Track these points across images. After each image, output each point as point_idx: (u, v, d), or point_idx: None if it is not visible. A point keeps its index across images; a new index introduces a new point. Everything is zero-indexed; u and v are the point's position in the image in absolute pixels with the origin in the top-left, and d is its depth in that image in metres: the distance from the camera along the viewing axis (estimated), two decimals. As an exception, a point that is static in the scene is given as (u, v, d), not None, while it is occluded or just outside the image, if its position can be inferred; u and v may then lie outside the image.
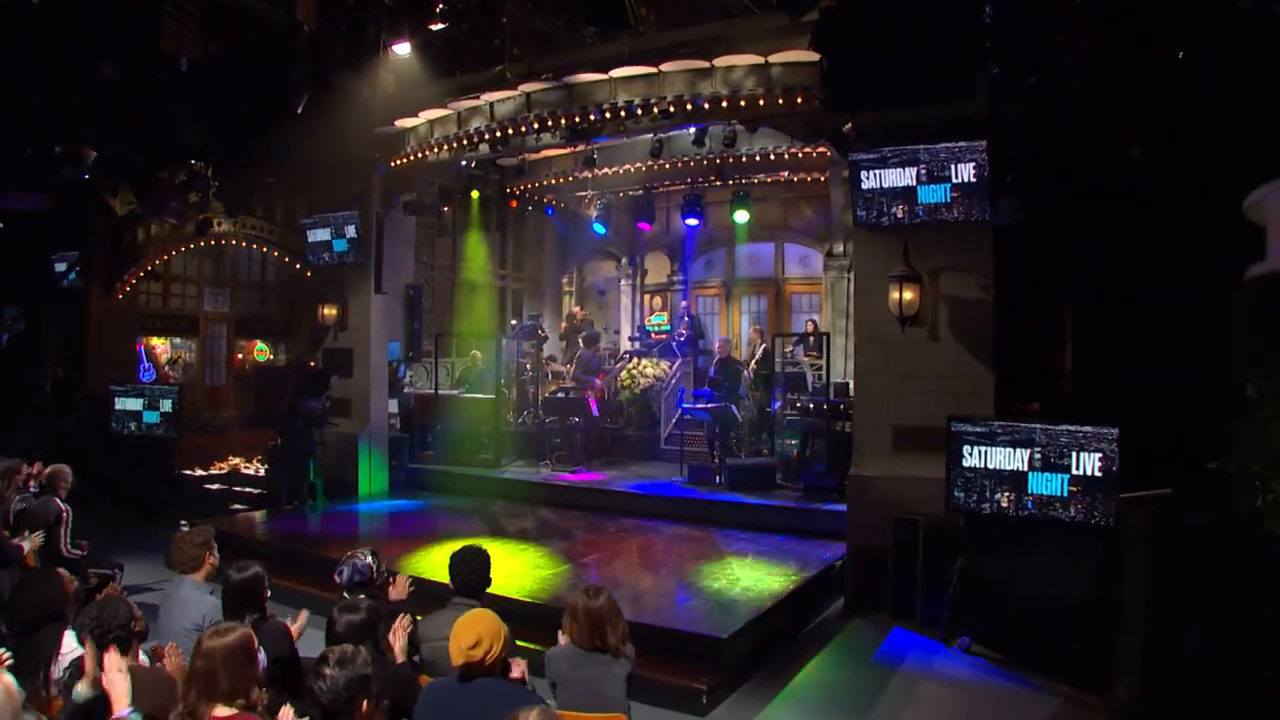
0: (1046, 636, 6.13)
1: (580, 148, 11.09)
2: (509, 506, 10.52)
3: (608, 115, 8.85)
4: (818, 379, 12.28)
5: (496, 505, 10.64)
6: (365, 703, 2.72)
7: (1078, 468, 6.14)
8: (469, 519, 9.88)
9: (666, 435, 12.91)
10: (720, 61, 8.28)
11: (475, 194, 13.27)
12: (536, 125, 9.28)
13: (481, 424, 12.12)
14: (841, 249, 13.12)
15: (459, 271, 14.62)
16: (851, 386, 11.34)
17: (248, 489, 11.16)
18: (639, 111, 8.70)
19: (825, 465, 9.64)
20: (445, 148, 10.26)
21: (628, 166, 12.19)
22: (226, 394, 16.34)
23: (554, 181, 13.34)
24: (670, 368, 13.19)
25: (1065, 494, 6.18)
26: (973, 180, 7.34)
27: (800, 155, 11.01)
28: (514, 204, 14.08)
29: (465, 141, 9.95)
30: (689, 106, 8.50)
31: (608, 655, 3.57)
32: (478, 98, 9.56)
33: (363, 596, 4.44)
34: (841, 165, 11.88)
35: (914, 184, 7.55)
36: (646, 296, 15.84)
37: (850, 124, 7.77)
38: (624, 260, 15.62)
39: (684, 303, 15.09)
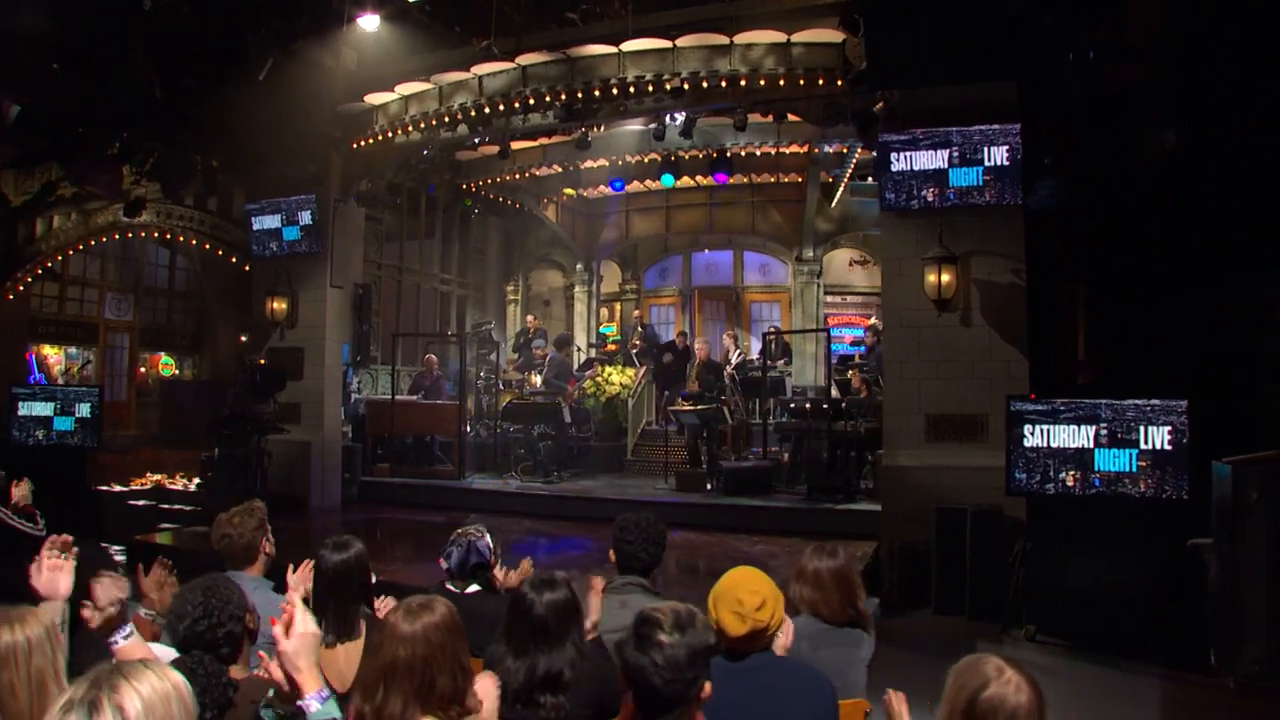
0: (1120, 620, 5.91)
1: (557, 138, 10.56)
2: (485, 519, 9.51)
3: (614, 91, 8.30)
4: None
5: (470, 519, 9.67)
6: (707, 685, 1.95)
7: (1146, 442, 6.01)
8: (448, 532, 8.93)
9: (633, 446, 12.35)
10: (740, 38, 7.94)
11: (431, 188, 12.44)
12: (532, 101, 8.63)
13: (441, 433, 11.23)
14: (812, 254, 13.03)
15: (403, 274, 13.63)
16: (834, 389, 11.22)
17: (179, 505, 9.77)
18: (649, 88, 8.20)
19: (828, 465, 9.31)
20: (420, 126, 9.45)
21: (603, 161, 11.64)
22: (128, 411, 14.60)
23: (514, 177, 12.61)
24: (637, 375, 12.63)
25: (1134, 470, 6.02)
26: (1005, 163, 7.27)
27: (787, 153, 10.80)
28: (468, 201, 13.30)
29: (445, 119, 9.19)
30: (704, 84, 8.08)
31: (857, 630, 2.95)
32: (467, 69, 8.84)
33: (476, 587, 3.71)
34: (820, 166, 11.86)
35: (945, 166, 7.41)
36: (601, 304, 15.28)
37: (881, 104, 7.57)
38: (580, 267, 14.99)
39: (636, 312, 14.61)
